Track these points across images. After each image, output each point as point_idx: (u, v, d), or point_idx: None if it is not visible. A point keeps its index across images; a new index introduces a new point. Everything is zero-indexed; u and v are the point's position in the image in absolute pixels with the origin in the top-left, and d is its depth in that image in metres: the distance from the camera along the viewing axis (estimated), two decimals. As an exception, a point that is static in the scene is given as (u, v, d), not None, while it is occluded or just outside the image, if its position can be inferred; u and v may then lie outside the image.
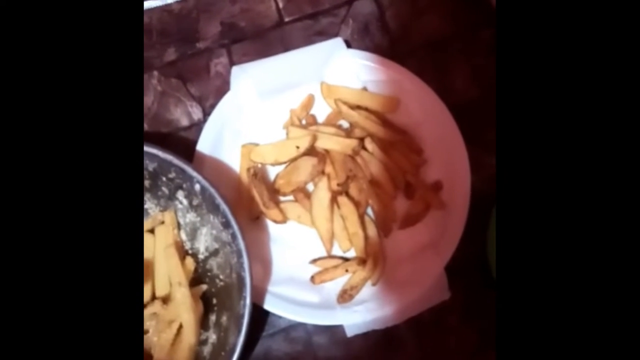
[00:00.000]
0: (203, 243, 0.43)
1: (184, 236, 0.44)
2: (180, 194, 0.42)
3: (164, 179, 0.41)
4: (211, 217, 0.41)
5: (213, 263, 0.43)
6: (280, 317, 0.44)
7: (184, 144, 0.48)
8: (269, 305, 0.43)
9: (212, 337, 0.41)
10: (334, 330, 0.45)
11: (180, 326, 0.41)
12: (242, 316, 0.38)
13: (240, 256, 0.39)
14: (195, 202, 0.41)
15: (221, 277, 0.42)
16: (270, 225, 0.46)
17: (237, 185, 0.47)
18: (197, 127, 0.49)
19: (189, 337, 0.40)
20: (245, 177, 0.46)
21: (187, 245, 0.44)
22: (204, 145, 0.46)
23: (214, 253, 0.42)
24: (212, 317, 0.42)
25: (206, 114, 0.49)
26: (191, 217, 0.43)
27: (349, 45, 0.51)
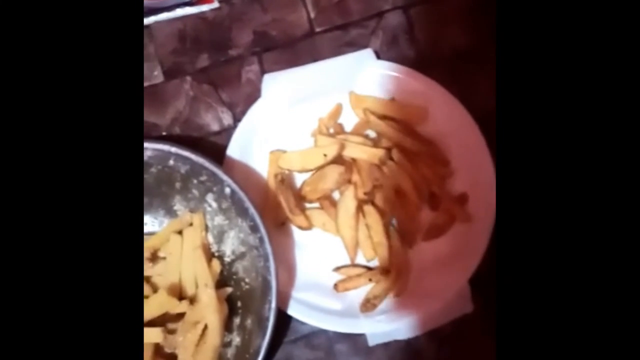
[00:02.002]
0: (230, 246, 0.44)
1: (211, 239, 0.45)
2: (210, 197, 0.43)
3: (195, 181, 0.42)
4: (239, 220, 0.41)
5: (239, 266, 0.43)
6: (302, 323, 0.44)
7: (214, 149, 0.48)
8: (292, 310, 0.44)
9: (236, 339, 0.42)
10: (356, 339, 0.45)
11: (205, 327, 0.41)
12: (267, 319, 0.38)
13: (267, 260, 0.39)
14: (224, 206, 0.42)
15: (247, 280, 0.42)
16: (296, 231, 0.47)
17: (264, 191, 0.47)
18: (227, 132, 0.50)
19: (214, 338, 0.41)
20: (272, 183, 0.47)
21: (214, 248, 0.45)
22: (234, 150, 0.47)
23: (240, 256, 0.43)
24: (237, 320, 0.43)
25: (236, 119, 0.50)
26: (219, 220, 0.44)
27: (378, 56, 0.51)
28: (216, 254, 0.45)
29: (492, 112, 0.49)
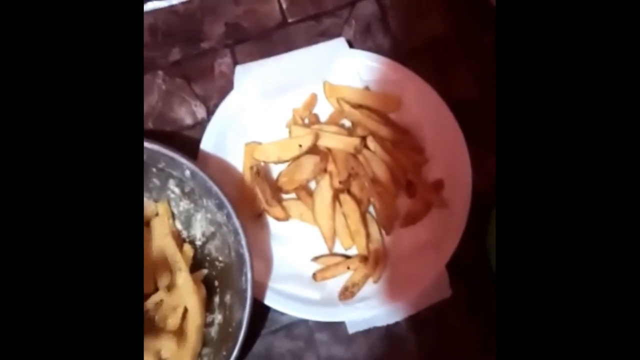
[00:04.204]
0: (199, 229, 0.43)
1: (179, 225, 0.44)
2: (171, 183, 0.42)
3: (154, 170, 0.42)
4: (204, 200, 0.41)
5: (211, 247, 0.43)
6: (282, 314, 0.44)
7: (188, 143, 0.48)
8: (270, 301, 0.43)
9: (218, 317, 0.42)
10: (336, 327, 0.45)
11: (186, 310, 0.41)
12: (245, 291, 0.38)
13: (237, 234, 0.39)
14: (187, 189, 0.42)
15: (220, 258, 0.42)
16: (273, 223, 0.46)
17: (240, 183, 0.47)
18: (201, 126, 0.49)
19: (195, 318, 0.40)
20: (248, 175, 0.47)
21: (184, 234, 0.44)
22: (208, 143, 0.47)
23: (211, 237, 0.42)
24: (216, 299, 0.42)
25: (210, 113, 0.50)
26: (184, 204, 0.43)
27: (351, 45, 0.51)
28: (187, 240, 0.44)
29: (467, 100, 0.50)
